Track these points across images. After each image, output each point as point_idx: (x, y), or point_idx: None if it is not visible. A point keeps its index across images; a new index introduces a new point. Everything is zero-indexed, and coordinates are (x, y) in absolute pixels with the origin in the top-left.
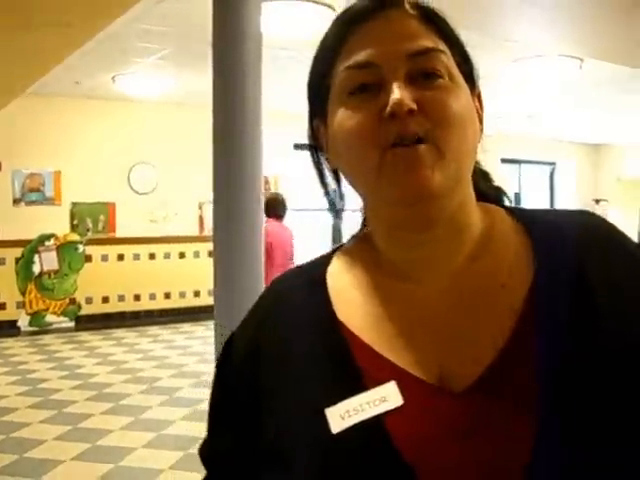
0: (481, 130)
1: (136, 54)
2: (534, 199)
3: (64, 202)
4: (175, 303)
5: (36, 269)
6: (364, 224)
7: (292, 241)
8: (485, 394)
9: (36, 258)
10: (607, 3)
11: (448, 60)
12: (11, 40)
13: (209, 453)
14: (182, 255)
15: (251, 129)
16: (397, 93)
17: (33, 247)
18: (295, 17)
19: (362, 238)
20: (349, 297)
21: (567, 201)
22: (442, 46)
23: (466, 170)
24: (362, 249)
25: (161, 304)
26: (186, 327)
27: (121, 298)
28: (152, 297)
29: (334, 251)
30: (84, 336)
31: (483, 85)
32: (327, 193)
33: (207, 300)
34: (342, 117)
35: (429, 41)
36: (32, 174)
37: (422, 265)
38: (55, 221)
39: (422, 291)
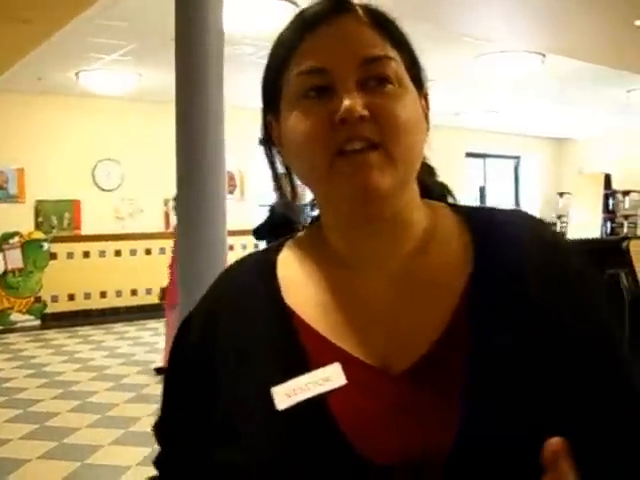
0: (427, 129)
1: (99, 50)
2: (499, 192)
3: (28, 199)
4: (142, 300)
5: (0, 267)
6: (317, 217)
7: None
8: (420, 378)
9: (0, 256)
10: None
11: (398, 66)
12: None
13: (164, 429)
14: (148, 252)
15: (213, 124)
16: (348, 100)
17: None
18: (258, 12)
19: (313, 229)
20: (298, 285)
21: (531, 194)
22: (392, 53)
23: (414, 171)
24: (312, 240)
25: (127, 301)
26: (153, 324)
27: (87, 295)
28: (118, 294)
29: (285, 240)
30: (50, 334)
31: (447, 80)
32: (279, 187)
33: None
34: (294, 120)
35: (380, 48)
36: None
37: (368, 257)
38: (19, 219)
39: (368, 283)
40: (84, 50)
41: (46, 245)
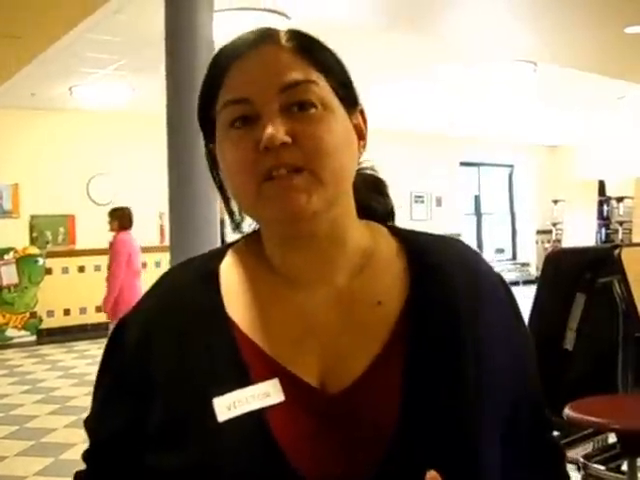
0: (363, 146)
1: (92, 65)
2: (493, 201)
3: (22, 215)
4: None
5: None
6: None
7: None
8: (355, 398)
9: None
10: (559, 8)
11: (320, 89)
12: None
13: (93, 427)
14: (144, 265)
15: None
16: (270, 128)
17: None
18: (249, 25)
19: (253, 239)
20: (240, 296)
21: (526, 202)
22: (315, 76)
23: (344, 189)
24: (253, 250)
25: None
26: None
27: (83, 310)
28: None
29: (227, 247)
30: (46, 350)
31: (441, 90)
32: (228, 208)
33: None
34: (224, 150)
35: (300, 73)
36: None
37: (304, 273)
38: (14, 234)
39: (307, 299)
40: (77, 65)
41: (41, 260)
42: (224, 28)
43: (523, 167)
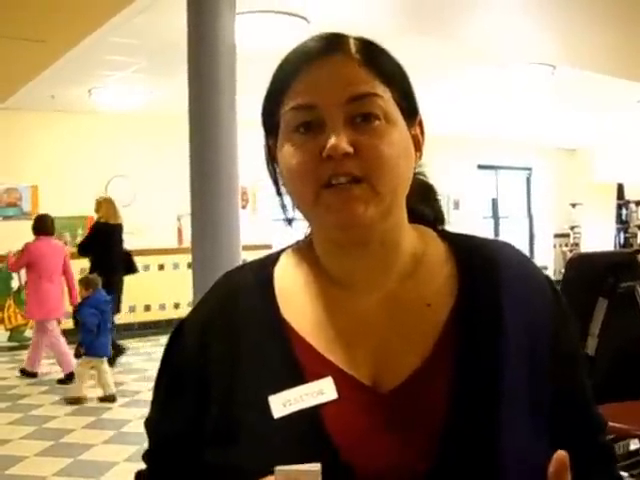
0: (419, 156)
1: (112, 67)
2: (511, 204)
3: None
4: (155, 315)
5: (15, 284)
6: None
7: (62, 254)
8: (406, 397)
9: (15, 273)
10: (579, 11)
11: (385, 102)
12: None
13: (154, 428)
14: (161, 267)
15: (226, 140)
16: (334, 139)
17: None
18: (270, 28)
19: (307, 244)
20: (294, 299)
21: (544, 205)
22: (380, 89)
23: (399, 199)
24: (306, 254)
25: (140, 317)
26: (166, 339)
27: None
28: (131, 310)
29: (281, 252)
30: None
31: (459, 93)
32: (281, 202)
33: (187, 312)
34: (287, 153)
35: (367, 86)
36: (9, 189)
37: (358, 278)
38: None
39: (359, 303)
40: (97, 68)
41: None
42: (246, 30)
43: (541, 170)
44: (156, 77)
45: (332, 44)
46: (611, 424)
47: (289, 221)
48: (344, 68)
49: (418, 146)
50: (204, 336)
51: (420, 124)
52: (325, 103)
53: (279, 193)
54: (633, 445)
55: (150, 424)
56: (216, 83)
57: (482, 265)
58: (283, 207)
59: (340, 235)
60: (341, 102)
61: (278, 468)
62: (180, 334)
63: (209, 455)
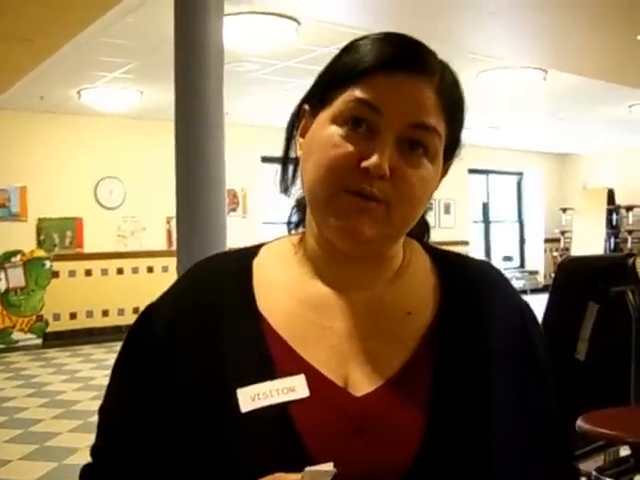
0: (431, 192)
1: (101, 68)
2: (502, 209)
3: (30, 218)
4: None
5: (2, 286)
6: (296, 226)
7: None
8: (380, 402)
9: (2, 275)
10: (570, 15)
11: (440, 142)
12: None
13: (112, 416)
14: (150, 270)
15: (213, 142)
16: (379, 157)
17: None
18: (259, 29)
19: (296, 239)
20: (272, 292)
21: (534, 210)
22: (441, 127)
23: (406, 231)
24: (293, 249)
25: (129, 319)
26: None
27: (89, 314)
28: (120, 312)
29: (260, 245)
30: (51, 353)
31: None
32: (284, 170)
33: None
34: (328, 138)
35: (434, 120)
36: None
37: (343, 281)
38: (21, 237)
39: (341, 304)
40: (86, 68)
41: (48, 263)
42: (235, 32)
43: (532, 175)
44: (146, 78)
45: (421, 60)
46: (601, 430)
47: (285, 189)
48: (423, 92)
49: (437, 184)
50: (173, 321)
51: (448, 167)
52: (390, 114)
53: (285, 162)
54: (623, 451)
55: (105, 412)
56: (203, 85)
57: (463, 281)
58: (283, 177)
59: (339, 242)
60: (405, 121)
61: (307, 469)
62: (147, 318)
63: (170, 446)
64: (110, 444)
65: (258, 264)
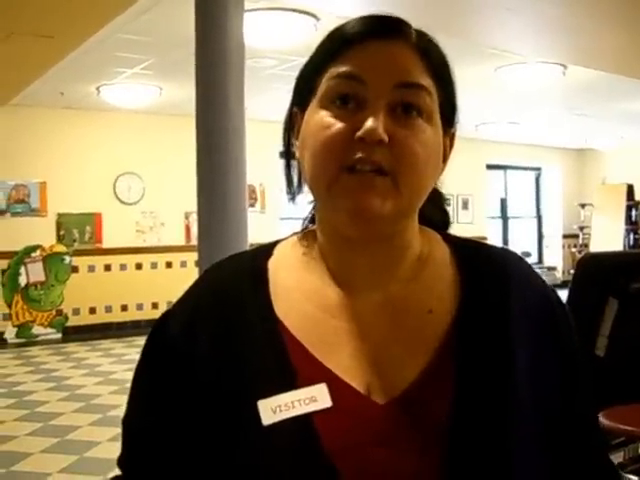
0: (443, 168)
1: (120, 64)
2: (520, 204)
3: (50, 213)
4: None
5: (22, 281)
6: (309, 221)
7: None
8: (405, 408)
9: (22, 270)
10: (589, 10)
11: (431, 100)
12: None
13: (133, 426)
14: (169, 265)
15: (234, 138)
16: (372, 121)
17: (19, 259)
18: (279, 25)
19: (306, 236)
20: (289, 296)
21: (553, 206)
22: (430, 86)
23: (418, 202)
24: (304, 248)
25: (148, 314)
26: None
27: (108, 309)
28: (139, 307)
29: (274, 244)
30: (71, 347)
31: (468, 92)
32: (289, 175)
33: None
34: (317, 122)
35: (420, 77)
36: (17, 185)
37: (361, 277)
38: (41, 232)
39: (360, 303)
40: (105, 64)
41: (68, 258)
42: (255, 28)
43: (550, 170)
44: (165, 74)
45: (394, 27)
46: (621, 426)
47: (292, 197)
48: (401, 53)
49: (445, 157)
50: (190, 329)
51: (452, 137)
52: (374, 81)
53: (288, 166)
54: None
55: (128, 423)
56: (224, 80)
57: (486, 272)
58: (289, 181)
59: (350, 226)
60: (390, 84)
61: None
62: (164, 326)
63: (193, 457)
64: (134, 456)
65: (273, 266)
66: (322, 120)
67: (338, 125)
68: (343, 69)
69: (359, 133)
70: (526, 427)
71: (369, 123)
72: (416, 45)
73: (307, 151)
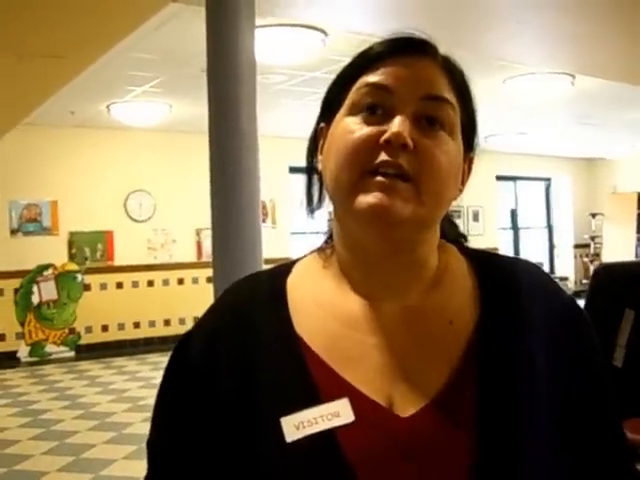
0: (460, 191)
1: (130, 83)
2: (530, 215)
3: (61, 232)
4: (175, 330)
5: (35, 299)
6: (328, 238)
7: None
8: (429, 421)
9: (35, 288)
10: (598, 20)
11: (454, 115)
12: (5, 71)
13: (157, 448)
14: (181, 281)
15: (247, 154)
16: (398, 126)
17: (32, 277)
18: (288, 41)
19: (325, 252)
20: (308, 313)
21: (563, 216)
22: (454, 102)
23: (437, 217)
24: (324, 264)
25: (161, 331)
26: None
27: (121, 326)
28: (152, 324)
29: (293, 263)
30: (84, 365)
31: (477, 104)
32: (309, 192)
33: None
34: (345, 127)
35: (445, 92)
36: (29, 204)
37: (380, 288)
38: (53, 251)
39: (380, 316)
40: (115, 83)
41: (80, 276)
42: (264, 44)
43: (560, 180)
44: (175, 92)
45: (421, 46)
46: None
47: (312, 211)
48: (428, 69)
49: (462, 180)
50: (213, 345)
51: (471, 162)
52: (401, 91)
53: (310, 181)
54: None
55: (152, 443)
56: (236, 97)
57: (504, 282)
58: (309, 195)
59: (371, 230)
60: (417, 96)
61: None
62: (185, 348)
63: (216, 478)
64: (159, 477)
65: (292, 283)
66: (349, 125)
67: (365, 129)
68: (372, 79)
69: (385, 136)
70: (542, 430)
71: (395, 127)
72: (442, 64)
73: (332, 156)
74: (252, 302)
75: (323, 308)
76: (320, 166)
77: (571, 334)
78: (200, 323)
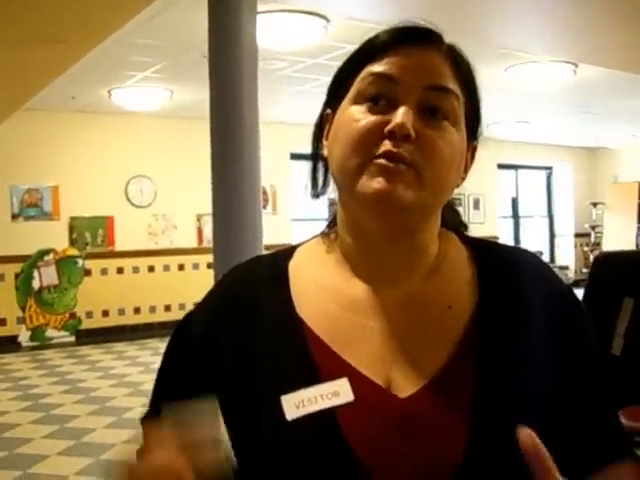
0: (462, 178)
1: (131, 68)
2: (531, 204)
3: (62, 217)
4: (175, 315)
5: (36, 284)
6: (330, 223)
7: None
8: (427, 402)
9: (35, 273)
10: (601, 8)
11: (458, 106)
12: (5, 56)
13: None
14: (181, 267)
15: (248, 140)
16: (401, 117)
17: (32, 262)
18: (289, 27)
19: (329, 237)
20: (310, 295)
21: (564, 205)
22: (458, 92)
23: (439, 203)
24: (327, 249)
25: (161, 317)
26: None
27: (121, 311)
28: (152, 310)
29: (295, 247)
30: (85, 350)
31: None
32: (314, 176)
33: None
34: (350, 116)
35: (449, 82)
36: (30, 189)
37: (381, 273)
38: (54, 236)
39: (380, 300)
40: (117, 68)
41: (80, 262)
42: (266, 30)
43: (561, 169)
44: (176, 77)
45: (426, 35)
46: (638, 425)
47: (316, 195)
48: (433, 59)
49: (465, 168)
50: (214, 323)
51: (474, 150)
52: (405, 80)
53: (315, 167)
54: None
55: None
56: (238, 83)
57: (503, 270)
58: (314, 180)
59: (373, 215)
60: (420, 85)
61: None
62: (186, 327)
63: None
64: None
65: (294, 267)
66: (354, 114)
67: (369, 118)
68: (377, 69)
69: (388, 127)
70: (537, 415)
71: (398, 118)
72: (447, 54)
73: (337, 143)
74: (253, 283)
75: (325, 291)
76: (325, 152)
77: (568, 322)
78: (201, 304)
